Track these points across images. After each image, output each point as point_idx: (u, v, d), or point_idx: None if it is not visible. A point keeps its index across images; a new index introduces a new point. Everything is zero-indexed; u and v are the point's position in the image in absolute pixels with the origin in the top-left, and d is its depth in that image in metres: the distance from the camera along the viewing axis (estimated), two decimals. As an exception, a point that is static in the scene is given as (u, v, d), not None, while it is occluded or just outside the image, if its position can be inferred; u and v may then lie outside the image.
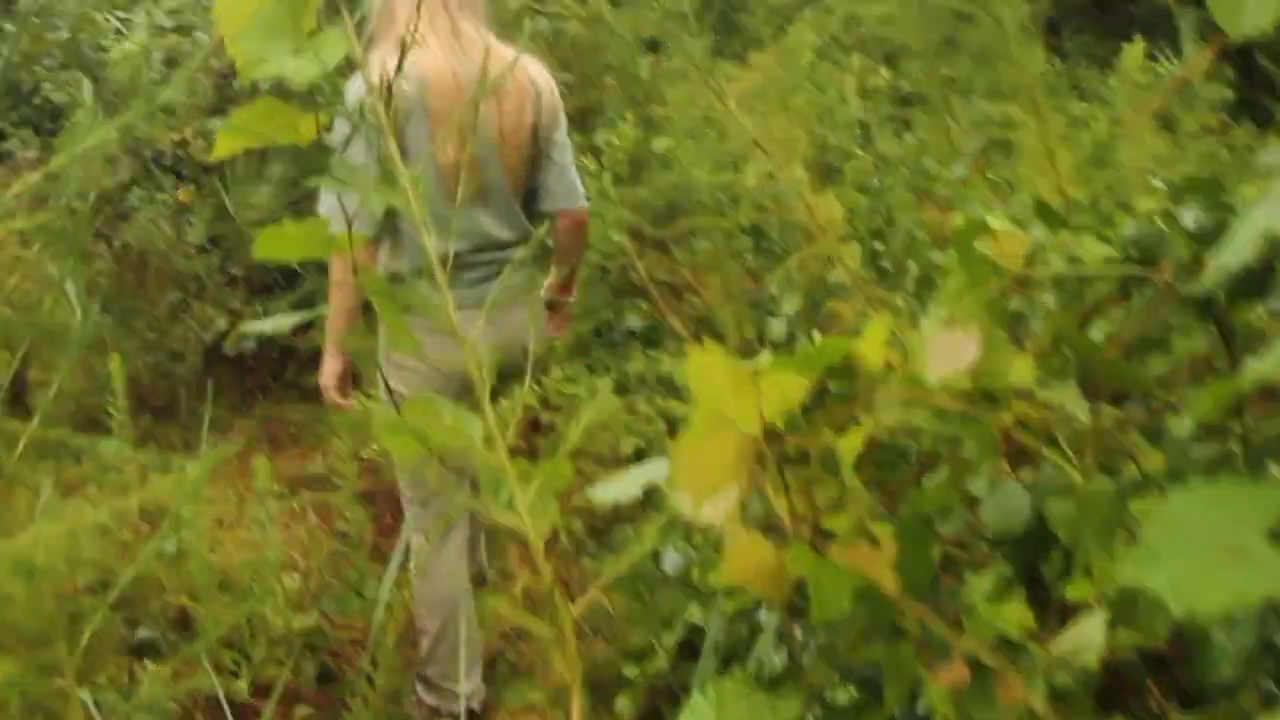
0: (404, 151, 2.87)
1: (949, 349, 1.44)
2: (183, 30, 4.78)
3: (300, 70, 1.10)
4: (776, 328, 2.83)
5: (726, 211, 3.79)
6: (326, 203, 2.83)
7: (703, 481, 1.16)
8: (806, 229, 2.58)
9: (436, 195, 2.97)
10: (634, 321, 5.02)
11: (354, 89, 2.84)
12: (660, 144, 4.58)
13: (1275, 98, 4.45)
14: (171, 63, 4.68)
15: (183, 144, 4.67)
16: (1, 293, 3.99)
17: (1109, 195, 3.74)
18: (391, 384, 3.13)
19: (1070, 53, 5.93)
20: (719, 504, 1.17)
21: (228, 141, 1.18)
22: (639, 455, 4.42)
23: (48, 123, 5.19)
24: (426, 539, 3.40)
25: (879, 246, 2.84)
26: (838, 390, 1.50)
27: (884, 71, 4.37)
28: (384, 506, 4.60)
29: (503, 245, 3.16)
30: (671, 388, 4.78)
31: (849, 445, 1.37)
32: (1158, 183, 2.28)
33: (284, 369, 5.27)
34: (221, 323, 5.01)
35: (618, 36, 5.38)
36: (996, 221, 1.51)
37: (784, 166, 2.61)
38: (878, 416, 1.50)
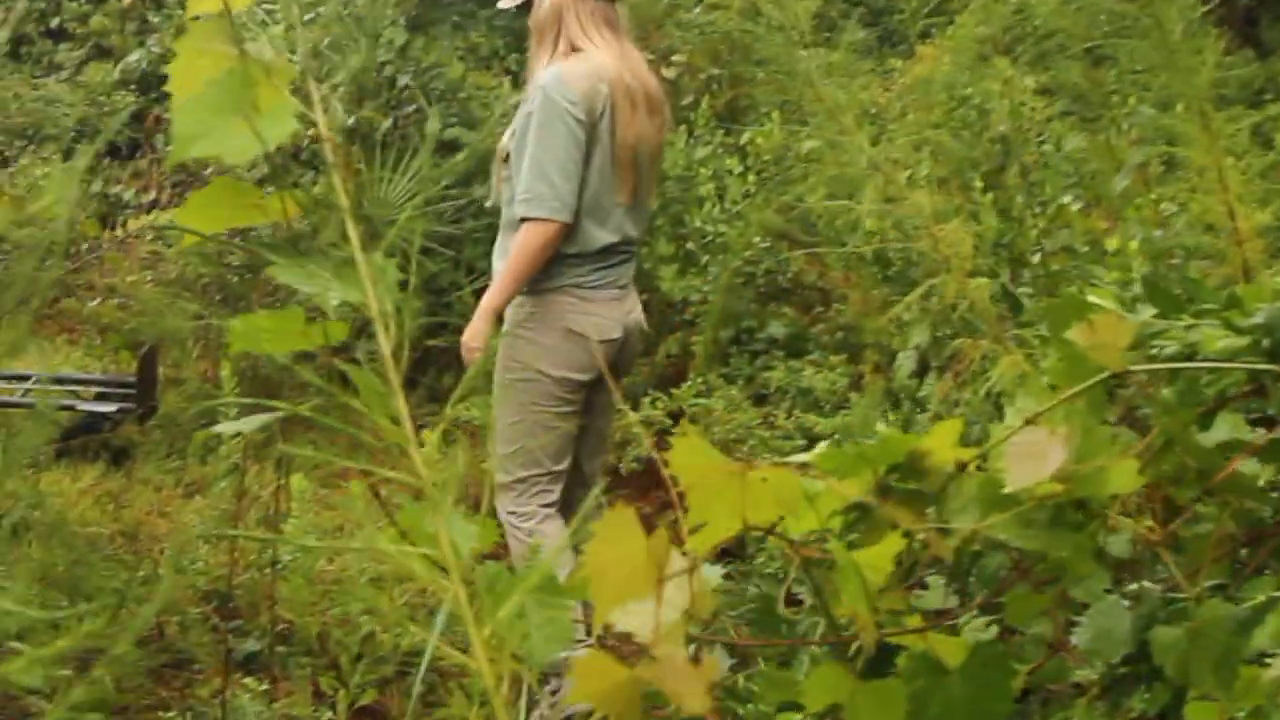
0: (596, 140, 3.17)
1: (1032, 452, 1.22)
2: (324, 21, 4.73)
3: (238, 150, 0.98)
4: (905, 361, 2.62)
5: (845, 237, 3.57)
6: (534, 190, 3.08)
7: (613, 587, 0.99)
8: (933, 258, 2.35)
9: (607, 188, 3.21)
10: (777, 329, 4.78)
11: (550, 85, 3.12)
12: (807, 145, 4.35)
13: None
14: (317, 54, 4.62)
15: (320, 138, 4.60)
16: (133, 291, 4.01)
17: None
18: (528, 360, 3.25)
19: (1270, 45, 5.46)
20: (638, 613, 1.01)
21: (190, 238, 1.08)
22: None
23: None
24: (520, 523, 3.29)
25: (1012, 270, 2.58)
26: (901, 488, 1.29)
27: (1044, 74, 4.05)
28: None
29: (632, 242, 3.37)
30: (813, 401, 4.55)
31: (879, 558, 1.16)
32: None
33: (423, 372, 5.16)
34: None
35: (773, 29, 5.13)
36: (1101, 298, 1.27)
37: (909, 190, 2.38)
38: (949, 522, 1.29)
